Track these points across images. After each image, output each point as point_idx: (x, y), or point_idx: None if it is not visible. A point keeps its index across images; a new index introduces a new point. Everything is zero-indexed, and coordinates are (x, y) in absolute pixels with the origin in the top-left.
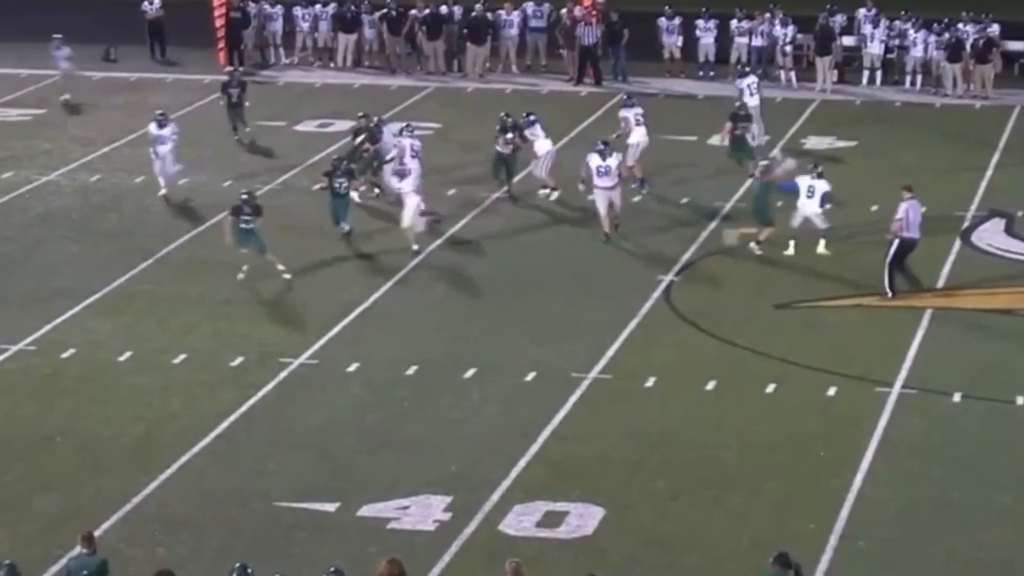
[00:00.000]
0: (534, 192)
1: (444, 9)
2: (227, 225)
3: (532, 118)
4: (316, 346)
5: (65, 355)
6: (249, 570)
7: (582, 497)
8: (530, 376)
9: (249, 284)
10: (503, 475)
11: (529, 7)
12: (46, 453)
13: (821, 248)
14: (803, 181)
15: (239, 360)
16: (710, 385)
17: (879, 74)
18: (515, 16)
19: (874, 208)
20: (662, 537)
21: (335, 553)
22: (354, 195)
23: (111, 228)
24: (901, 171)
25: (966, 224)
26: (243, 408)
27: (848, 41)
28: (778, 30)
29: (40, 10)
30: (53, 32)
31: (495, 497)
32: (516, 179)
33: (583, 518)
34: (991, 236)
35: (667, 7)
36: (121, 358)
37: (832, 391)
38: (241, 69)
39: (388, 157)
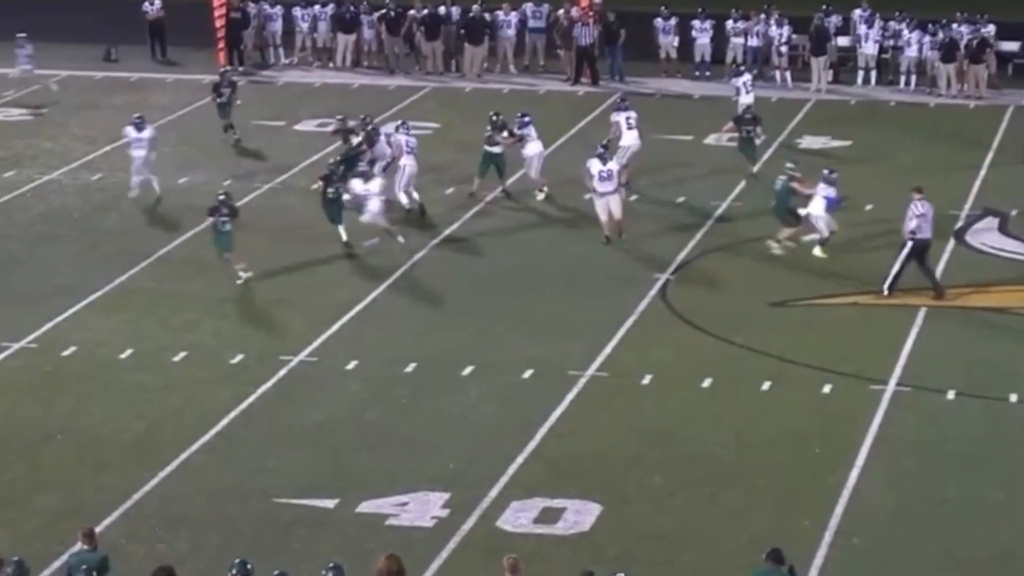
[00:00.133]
0: (530, 192)
1: (442, 9)
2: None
3: (526, 119)
4: (315, 344)
5: (66, 353)
6: (249, 566)
7: (579, 494)
8: (527, 374)
9: (249, 283)
10: (501, 472)
11: (528, 8)
12: (47, 450)
13: (817, 252)
14: (821, 189)
15: (239, 358)
16: (706, 383)
17: (874, 74)
18: (513, 16)
19: (868, 207)
20: (659, 533)
21: (334, 549)
22: (347, 198)
23: (112, 227)
24: (896, 171)
25: (960, 223)
26: (243, 405)
27: (843, 41)
28: (774, 30)
29: (40, 10)
30: (53, 32)
31: (493, 494)
32: (510, 181)
33: (580, 514)
34: (985, 235)
35: (663, 7)
36: (122, 356)
37: (827, 389)
38: (233, 69)
39: (385, 161)
